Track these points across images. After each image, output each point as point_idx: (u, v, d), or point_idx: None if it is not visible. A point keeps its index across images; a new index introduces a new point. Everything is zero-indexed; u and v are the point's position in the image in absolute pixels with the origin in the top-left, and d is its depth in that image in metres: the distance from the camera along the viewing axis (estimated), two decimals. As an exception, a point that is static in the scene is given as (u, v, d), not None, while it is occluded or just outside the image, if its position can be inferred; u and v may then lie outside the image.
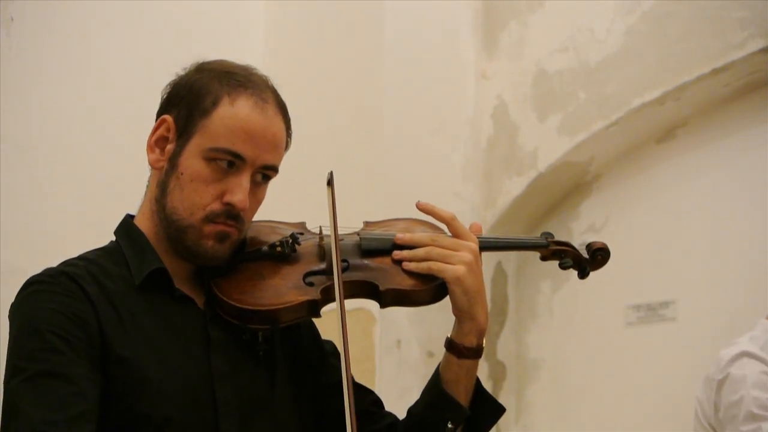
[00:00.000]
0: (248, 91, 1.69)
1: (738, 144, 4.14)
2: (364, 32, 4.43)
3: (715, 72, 3.97)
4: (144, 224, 1.72)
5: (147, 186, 1.78)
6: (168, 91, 1.76)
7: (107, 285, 1.62)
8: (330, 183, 1.72)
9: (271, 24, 4.58)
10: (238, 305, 1.64)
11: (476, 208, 4.41)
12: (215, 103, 1.67)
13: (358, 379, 1.85)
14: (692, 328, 4.10)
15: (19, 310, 1.60)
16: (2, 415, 1.53)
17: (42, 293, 1.59)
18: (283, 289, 1.67)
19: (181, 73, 1.77)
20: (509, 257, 4.64)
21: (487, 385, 4.31)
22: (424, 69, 4.41)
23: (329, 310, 1.70)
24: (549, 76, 4.38)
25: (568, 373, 4.48)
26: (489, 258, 4.54)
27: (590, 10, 4.30)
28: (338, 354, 1.79)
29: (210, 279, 1.68)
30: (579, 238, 4.53)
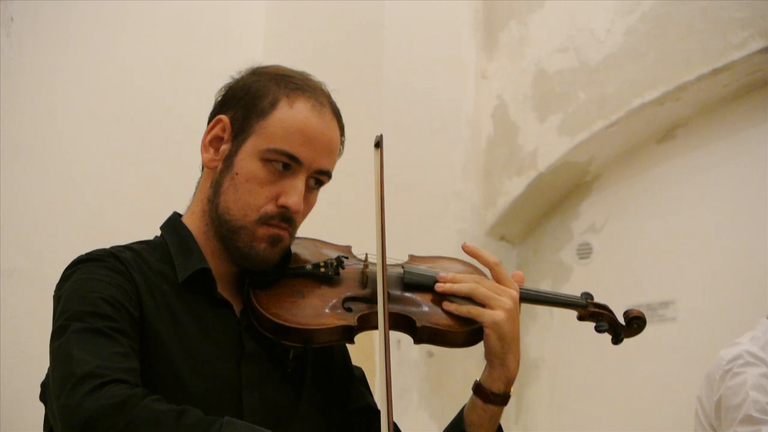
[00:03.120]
0: (306, 95, 1.69)
1: (738, 144, 4.14)
2: (364, 32, 4.42)
3: (715, 72, 3.97)
4: (193, 224, 1.72)
5: (197, 185, 1.77)
6: (222, 93, 1.75)
7: (150, 278, 1.62)
8: (378, 145, 1.70)
9: (271, 24, 4.57)
10: (274, 319, 1.62)
11: (476, 208, 4.41)
12: (273, 105, 1.67)
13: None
14: (692, 328, 4.10)
15: (68, 281, 1.58)
16: (51, 368, 1.49)
17: (94, 267, 1.59)
18: (321, 311, 1.66)
19: (236, 76, 1.76)
20: (509, 256, 4.64)
21: (487, 384, 4.31)
22: (424, 69, 4.41)
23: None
24: (549, 76, 4.38)
25: (568, 373, 4.48)
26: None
27: (590, 10, 4.30)
28: (366, 381, 1.82)
29: (250, 289, 1.67)
30: (579, 238, 4.53)
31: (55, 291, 1.61)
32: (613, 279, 4.39)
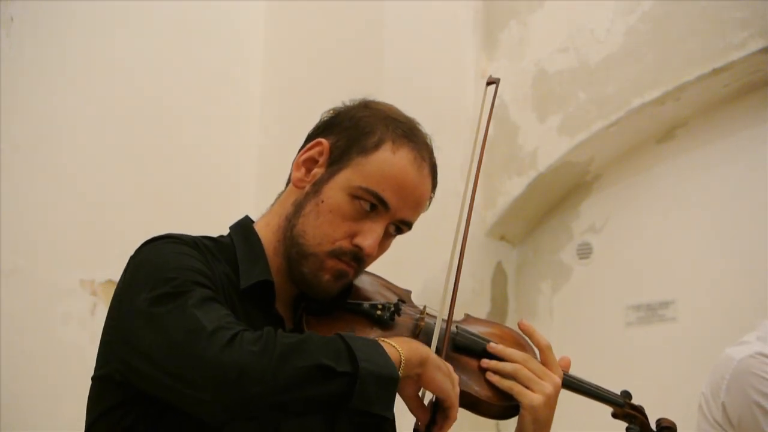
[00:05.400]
0: (411, 144, 1.72)
1: (738, 144, 4.14)
2: (364, 33, 4.42)
3: (715, 72, 3.97)
4: (265, 235, 1.71)
5: (277, 199, 1.76)
6: (330, 116, 1.77)
7: (219, 277, 1.61)
8: (491, 83, 1.72)
9: (271, 24, 4.57)
10: None
11: (476, 208, 4.40)
12: (377, 146, 1.68)
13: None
14: (692, 328, 4.10)
15: (154, 252, 1.55)
16: (166, 328, 1.44)
17: (179, 245, 1.58)
18: None
19: (347, 103, 1.78)
20: (509, 256, 4.64)
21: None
22: (424, 69, 4.41)
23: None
24: (549, 76, 4.38)
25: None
26: (489, 257, 4.54)
27: (590, 10, 4.30)
28: (395, 426, 1.80)
29: (304, 313, 1.66)
30: (579, 238, 4.53)
31: (133, 258, 1.58)
32: (613, 279, 4.39)
